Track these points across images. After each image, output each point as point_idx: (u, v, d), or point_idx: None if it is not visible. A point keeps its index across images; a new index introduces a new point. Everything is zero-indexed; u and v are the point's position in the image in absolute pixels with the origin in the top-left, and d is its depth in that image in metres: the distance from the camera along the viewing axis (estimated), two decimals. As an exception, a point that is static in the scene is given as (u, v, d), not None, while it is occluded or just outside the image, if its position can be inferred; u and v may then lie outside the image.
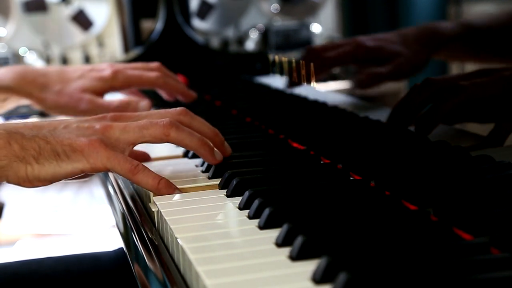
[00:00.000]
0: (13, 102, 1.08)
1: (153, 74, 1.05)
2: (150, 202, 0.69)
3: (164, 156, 0.85)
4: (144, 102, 1.01)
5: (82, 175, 0.72)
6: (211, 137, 0.75)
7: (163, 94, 1.08)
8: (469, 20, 1.04)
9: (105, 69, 1.06)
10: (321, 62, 1.06)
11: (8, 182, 0.68)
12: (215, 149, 0.74)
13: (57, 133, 0.70)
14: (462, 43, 0.92)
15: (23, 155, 0.67)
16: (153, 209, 0.67)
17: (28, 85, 1.03)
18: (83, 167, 0.68)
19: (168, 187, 0.69)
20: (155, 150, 0.84)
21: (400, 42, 1.01)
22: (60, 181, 0.70)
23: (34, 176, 0.67)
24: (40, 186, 0.69)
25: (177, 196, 0.68)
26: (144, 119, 0.73)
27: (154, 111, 0.76)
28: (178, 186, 0.71)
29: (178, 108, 0.75)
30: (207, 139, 0.74)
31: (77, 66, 1.06)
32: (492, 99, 0.78)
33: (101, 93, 1.05)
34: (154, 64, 1.08)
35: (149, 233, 0.65)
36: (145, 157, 0.83)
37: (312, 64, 1.04)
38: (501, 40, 0.87)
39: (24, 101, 1.08)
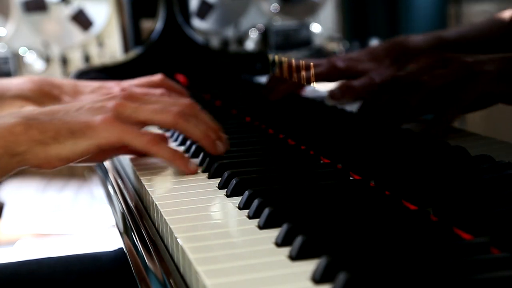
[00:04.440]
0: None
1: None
2: (150, 203, 0.69)
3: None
4: None
5: (99, 158, 0.77)
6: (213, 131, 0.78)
7: None
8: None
9: (113, 87, 1.07)
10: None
11: (30, 166, 0.70)
12: (217, 141, 0.77)
13: (72, 114, 0.73)
14: None
15: (42, 137, 0.69)
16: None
17: (43, 96, 1.04)
18: (98, 142, 0.71)
19: (183, 157, 0.74)
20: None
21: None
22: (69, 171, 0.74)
23: (54, 156, 0.70)
24: (60, 165, 0.71)
25: (177, 195, 0.68)
26: (154, 103, 0.77)
27: (164, 98, 0.79)
28: (176, 186, 0.71)
29: (187, 100, 0.79)
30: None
31: (87, 82, 1.07)
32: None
33: None
34: (157, 77, 1.08)
35: (149, 233, 0.65)
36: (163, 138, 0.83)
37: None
38: None
39: None
